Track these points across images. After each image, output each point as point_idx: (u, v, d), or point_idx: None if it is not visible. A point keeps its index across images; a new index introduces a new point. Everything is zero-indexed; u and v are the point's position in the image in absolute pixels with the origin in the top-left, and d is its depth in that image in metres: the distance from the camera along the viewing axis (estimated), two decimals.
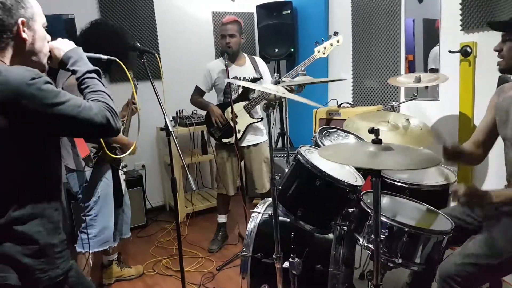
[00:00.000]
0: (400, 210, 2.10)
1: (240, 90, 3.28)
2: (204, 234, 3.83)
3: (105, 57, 1.71)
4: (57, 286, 1.35)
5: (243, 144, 3.34)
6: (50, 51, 1.42)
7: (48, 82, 1.23)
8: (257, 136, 3.43)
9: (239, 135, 3.26)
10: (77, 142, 2.47)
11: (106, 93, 1.39)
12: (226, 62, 3.15)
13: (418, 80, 2.94)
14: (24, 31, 1.28)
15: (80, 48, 1.47)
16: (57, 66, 1.46)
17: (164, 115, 2.07)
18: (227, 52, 3.19)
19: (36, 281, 1.29)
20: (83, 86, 1.40)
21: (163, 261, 3.34)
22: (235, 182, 3.51)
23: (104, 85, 1.43)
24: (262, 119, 3.40)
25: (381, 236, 1.61)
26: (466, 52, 3.00)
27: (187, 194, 4.51)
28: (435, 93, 3.43)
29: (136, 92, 2.89)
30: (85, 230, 2.55)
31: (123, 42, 2.51)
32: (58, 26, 3.61)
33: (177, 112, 4.17)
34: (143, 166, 4.34)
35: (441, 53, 3.32)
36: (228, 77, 3.15)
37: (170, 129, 2.09)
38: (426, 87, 3.40)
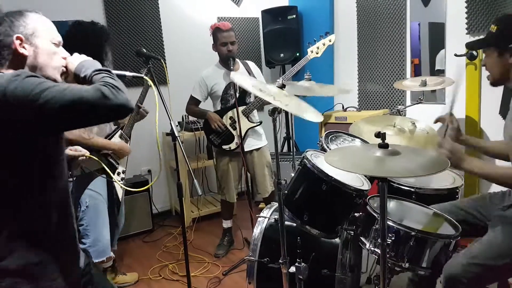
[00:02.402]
0: (406, 214, 2.09)
1: (237, 95, 3.26)
2: (210, 238, 3.83)
3: (130, 74, 1.69)
4: None
5: (245, 149, 3.33)
6: (66, 67, 1.43)
7: (32, 76, 1.20)
8: (257, 140, 3.42)
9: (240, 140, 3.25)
10: None
11: (111, 77, 1.30)
12: (232, 67, 3.16)
13: (424, 83, 2.93)
14: (23, 46, 1.33)
15: (96, 61, 1.45)
16: (74, 81, 1.44)
17: (170, 120, 2.08)
18: (233, 57, 3.19)
19: None
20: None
21: (169, 266, 3.34)
22: (236, 188, 3.52)
23: (114, 80, 1.32)
24: (261, 122, 3.40)
25: (387, 240, 1.60)
26: (472, 56, 2.99)
27: (193, 198, 4.52)
28: (442, 96, 3.42)
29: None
30: (83, 240, 2.52)
31: (101, 42, 2.52)
32: (65, 32, 3.63)
33: (183, 117, 4.18)
34: (149, 171, 4.36)
35: (447, 57, 3.31)
36: (234, 81, 3.15)
37: (176, 134, 2.09)
38: (432, 91, 3.39)
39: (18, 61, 1.33)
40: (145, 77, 1.86)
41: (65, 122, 1.24)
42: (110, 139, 2.64)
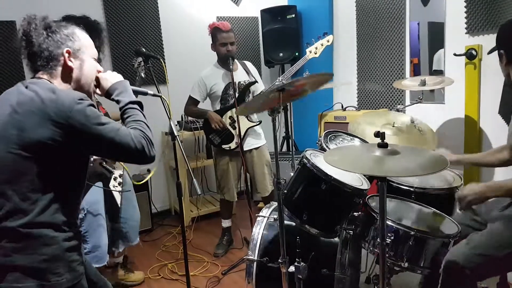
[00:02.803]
0: (406, 214, 2.09)
1: (237, 94, 3.25)
2: (209, 238, 3.83)
3: (151, 92, 1.88)
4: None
5: (245, 148, 3.34)
6: (98, 81, 1.57)
7: (92, 105, 1.36)
8: (257, 139, 3.42)
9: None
10: None
11: (146, 124, 1.50)
12: (231, 67, 3.15)
13: (423, 83, 2.93)
14: (70, 60, 1.45)
15: (127, 82, 1.60)
16: (103, 95, 1.59)
17: (169, 120, 2.08)
18: (232, 57, 3.19)
19: (54, 286, 1.34)
20: (125, 116, 1.51)
21: (168, 265, 3.34)
22: (236, 187, 3.52)
23: (144, 116, 1.53)
24: (260, 122, 3.40)
25: (387, 240, 1.61)
26: (471, 55, 2.99)
27: (192, 198, 4.52)
28: (441, 96, 3.42)
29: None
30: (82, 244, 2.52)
31: (94, 36, 2.53)
32: None
33: (182, 116, 4.17)
34: (148, 170, 4.35)
35: (446, 56, 3.31)
36: (233, 81, 3.15)
37: (175, 133, 2.09)
38: (432, 90, 3.39)
39: (66, 73, 1.46)
40: (163, 96, 2.00)
41: (101, 152, 1.51)
42: None
